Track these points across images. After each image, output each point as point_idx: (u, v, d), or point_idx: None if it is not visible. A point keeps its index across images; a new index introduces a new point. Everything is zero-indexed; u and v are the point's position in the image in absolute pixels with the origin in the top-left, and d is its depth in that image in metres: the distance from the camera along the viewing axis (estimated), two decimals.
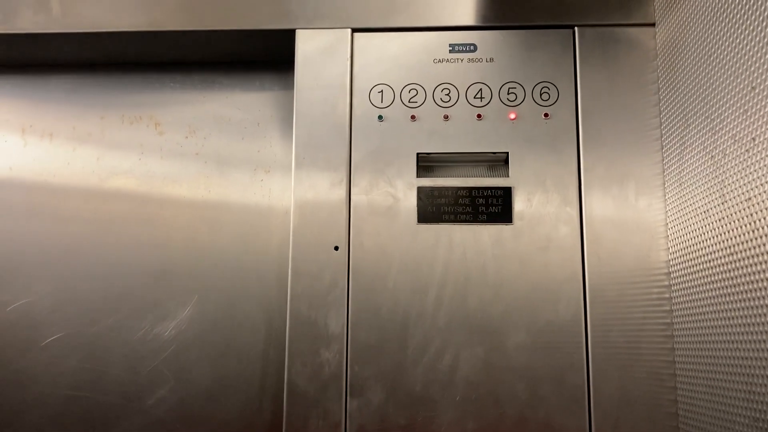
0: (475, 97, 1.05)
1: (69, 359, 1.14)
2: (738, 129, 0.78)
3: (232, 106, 1.20)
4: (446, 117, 1.04)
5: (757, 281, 0.74)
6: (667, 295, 0.97)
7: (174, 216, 1.17)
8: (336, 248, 1.01)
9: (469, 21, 1.06)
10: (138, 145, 1.20)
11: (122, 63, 1.22)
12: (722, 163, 0.82)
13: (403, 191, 1.03)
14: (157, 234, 1.16)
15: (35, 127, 1.21)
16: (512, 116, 1.04)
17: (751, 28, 0.76)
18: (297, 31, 1.08)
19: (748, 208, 0.75)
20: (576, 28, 1.05)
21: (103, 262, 1.16)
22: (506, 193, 1.01)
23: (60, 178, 1.19)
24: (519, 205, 1.01)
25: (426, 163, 1.04)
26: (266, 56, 1.17)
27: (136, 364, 1.13)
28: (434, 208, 1.02)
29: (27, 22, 1.10)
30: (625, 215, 0.99)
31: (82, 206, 1.18)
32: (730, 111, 0.80)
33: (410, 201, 1.02)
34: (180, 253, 1.15)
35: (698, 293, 0.88)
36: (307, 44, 1.07)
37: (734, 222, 0.79)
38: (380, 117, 1.05)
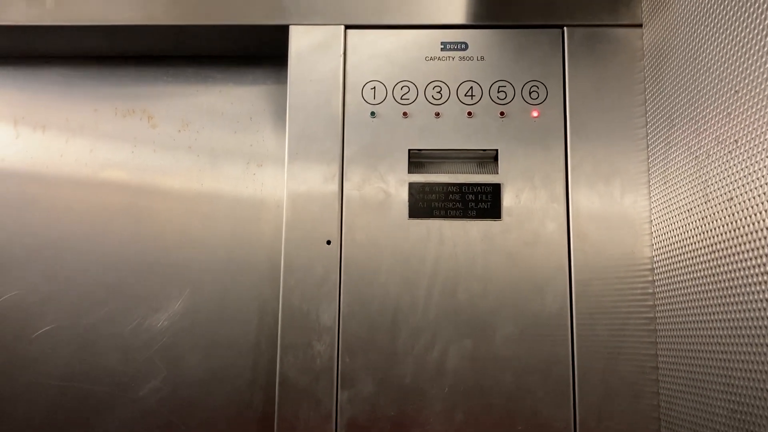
0: (465, 95, 1.06)
1: (61, 350, 1.14)
2: (721, 131, 0.80)
3: (225, 100, 1.21)
4: (437, 114, 1.06)
5: (737, 278, 0.76)
6: (650, 290, 1.00)
7: (166, 209, 1.18)
8: (328, 242, 1.03)
9: (461, 20, 1.08)
10: (131, 138, 1.20)
11: (116, 56, 1.22)
12: (706, 163, 0.84)
13: (394, 186, 1.04)
14: (149, 226, 1.17)
15: (28, 119, 1.22)
16: (502, 114, 1.05)
17: (735, 33, 0.78)
18: (291, 26, 1.09)
19: (730, 207, 0.78)
20: (565, 28, 1.07)
21: (95, 254, 1.17)
22: (495, 190, 1.04)
23: (52, 170, 1.20)
24: (508, 201, 1.03)
25: (417, 159, 1.06)
26: (260, 51, 1.18)
27: (129, 355, 1.14)
28: (425, 204, 1.04)
29: (20, 14, 1.10)
30: (611, 211, 1.02)
31: (75, 198, 1.19)
32: (714, 113, 0.82)
33: (402, 196, 1.04)
34: (172, 245, 1.16)
35: (680, 288, 0.91)
36: (300, 40, 1.08)
37: (716, 221, 0.81)
38: (372, 113, 1.06)
